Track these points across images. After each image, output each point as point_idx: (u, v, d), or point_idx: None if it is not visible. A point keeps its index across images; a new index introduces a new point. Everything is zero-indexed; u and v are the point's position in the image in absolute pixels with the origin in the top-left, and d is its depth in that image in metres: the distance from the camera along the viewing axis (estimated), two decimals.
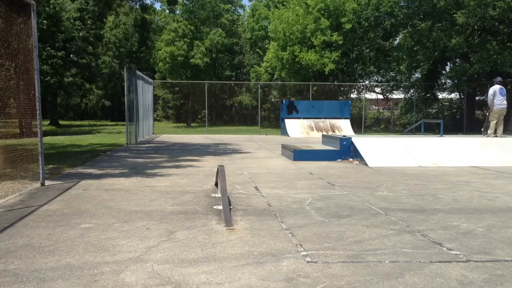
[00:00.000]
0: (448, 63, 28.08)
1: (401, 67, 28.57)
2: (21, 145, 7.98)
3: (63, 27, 34.28)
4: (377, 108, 41.57)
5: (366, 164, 9.93)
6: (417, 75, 30.22)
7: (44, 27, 30.67)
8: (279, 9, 29.59)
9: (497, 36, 22.15)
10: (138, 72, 18.31)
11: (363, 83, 33.62)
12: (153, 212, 5.19)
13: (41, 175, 6.92)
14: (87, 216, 4.98)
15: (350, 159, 10.76)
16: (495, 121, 12.31)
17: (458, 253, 3.76)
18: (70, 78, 36.61)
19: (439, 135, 14.33)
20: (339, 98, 32.35)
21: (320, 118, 24.43)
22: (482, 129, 13.07)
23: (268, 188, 6.84)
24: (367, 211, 5.33)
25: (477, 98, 27.44)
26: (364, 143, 10.71)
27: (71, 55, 37.45)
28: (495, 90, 12.37)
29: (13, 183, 6.60)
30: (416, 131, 23.81)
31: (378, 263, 3.50)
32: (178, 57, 35.33)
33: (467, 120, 26.25)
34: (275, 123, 33.98)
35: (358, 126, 27.81)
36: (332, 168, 9.41)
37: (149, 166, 9.51)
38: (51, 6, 31.69)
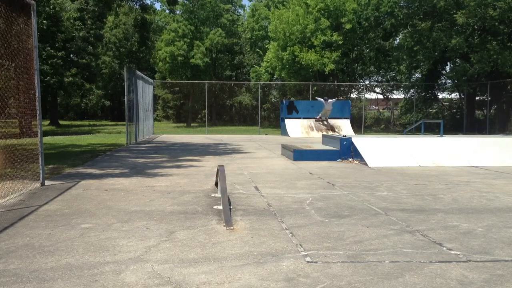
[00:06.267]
0: (448, 63, 28.08)
1: (401, 67, 28.56)
2: (21, 145, 7.98)
3: (63, 27, 34.22)
4: (377, 108, 41.54)
5: (366, 164, 9.93)
6: (417, 75, 30.20)
7: (44, 27, 30.63)
8: (279, 9, 29.59)
9: (497, 36, 22.15)
10: (138, 72, 18.31)
11: (363, 83, 33.61)
12: (153, 212, 5.19)
13: (41, 175, 6.92)
14: (87, 216, 4.98)
15: (350, 159, 10.77)
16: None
17: (458, 253, 3.77)
18: (70, 78, 36.54)
19: (439, 135, 14.33)
20: (339, 98, 32.32)
21: None
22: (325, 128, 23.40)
23: (268, 188, 6.84)
24: (367, 211, 5.33)
25: (477, 98, 27.44)
26: (364, 143, 10.71)
27: (71, 55, 37.37)
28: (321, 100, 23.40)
29: (13, 183, 6.60)
30: (416, 131, 23.81)
31: (378, 263, 3.50)
32: (178, 57, 35.31)
33: (467, 120, 26.25)
34: (275, 123, 33.98)
35: (358, 126, 27.80)
36: (332, 168, 9.42)
37: (149, 166, 9.51)
38: (51, 6, 31.66)
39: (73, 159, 10.93)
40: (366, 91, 34.11)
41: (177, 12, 38.17)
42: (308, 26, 26.83)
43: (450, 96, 31.77)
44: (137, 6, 25.33)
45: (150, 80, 23.28)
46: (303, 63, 26.68)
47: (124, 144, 15.98)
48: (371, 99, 40.46)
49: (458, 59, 25.20)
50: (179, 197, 6.06)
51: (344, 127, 23.94)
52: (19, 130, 8.70)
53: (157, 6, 71.25)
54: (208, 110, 30.12)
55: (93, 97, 52.64)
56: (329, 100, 23.23)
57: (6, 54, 6.80)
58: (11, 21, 6.52)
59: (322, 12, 27.20)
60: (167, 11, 40.81)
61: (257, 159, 11.28)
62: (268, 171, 8.85)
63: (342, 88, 34.17)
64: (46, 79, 31.08)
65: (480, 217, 5.05)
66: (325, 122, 23.63)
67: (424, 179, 7.98)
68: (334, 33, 26.84)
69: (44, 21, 30.66)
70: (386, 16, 27.58)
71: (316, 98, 23.92)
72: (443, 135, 14.31)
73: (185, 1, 37.38)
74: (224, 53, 39.82)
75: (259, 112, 29.39)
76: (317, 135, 21.85)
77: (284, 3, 31.10)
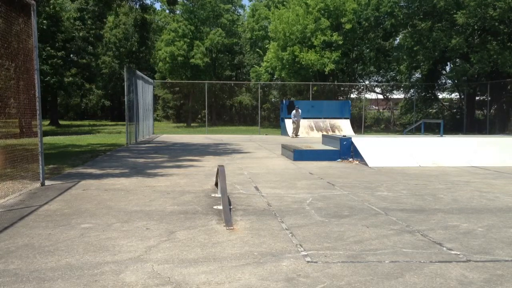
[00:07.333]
0: (448, 63, 28.08)
1: (401, 67, 28.55)
2: (21, 145, 7.98)
3: (63, 27, 34.22)
4: (377, 108, 41.54)
5: (366, 164, 9.93)
6: (417, 75, 30.19)
7: (44, 27, 30.63)
8: (279, 9, 29.58)
9: (497, 36, 22.15)
10: (138, 72, 18.31)
11: (363, 83, 33.61)
12: (153, 212, 5.19)
13: (41, 175, 6.92)
14: (87, 216, 4.98)
15: (350, 159, 10.76)
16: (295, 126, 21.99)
17: (458, 253, 3.77)
18: (70, 78, 36.54)
19: (439, 135, 14.33)
20: (339, 98, 32.34)
21: (320, 118, 24.42)
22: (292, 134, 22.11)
23: (268, 188, 6.84)
24: (367, 211, 5.33)
25: (477, 98, 27.44)
26: (364, 143, 10.71)
27: (71, 55, 37.38)
28: (293, 112, 21.88)
29: (13, 183, 6.60)
30: (416, 131, 23.81)
31: (378, 263, 3.50)
32: (178, 57, 35.31)
33: (467, 120, 26.24)
34: (275, 123, 33.97)
35: (358, 126, 27.80)
36: (332, 168, 9.41)
37: (149, 166, 9.51)
38: (51, 6, 31.65)
39: (73, 159, 10.93)
40: (366, 91, 34.12)
41: (177, 12, 38.15)
42: (308, 26, 26.83)
43: (450, 96, 31.80)
44: (137, 6, 25.29)
45: (150, 80, 23.27)
46: (303, 63, 26.68)
47: (124, 144, 15.98)
48: (371, 99, 40.48)
49: (458, 59, 25.20)
50: (179, 197, 6.06)
51: (344, 127, 23.95)
52: (19, 130, 8.70)
53: (157, 6, 71.16)
54: (208, 110, 30.12)
55: (93, 97, 52.61)
56: (299, 111, 21.94)
57: (6, 54, 6.80)
58: (11, 21, 6.52)
59: (322, 12, 27.20)
60: (167, 11, 40.83)
61: (257, 159, 11.28)
62: (268, 171, 8.84)
63: (342, 88, 34.16)
64: (46, 79, 31.08)
65: (480, 217, 5.04)
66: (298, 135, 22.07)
67: (424, 179, 7.98)
68: (334, 33, 26.84)
69: (44, 21, 30.66)
70: (386, 16, 27.59)
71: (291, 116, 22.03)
72: (443, 135, 14.31)
73: (185, 1, 37.38)
74: (224, 53, 39.81)
75: (259, 112, 29.40)
76: (317, 135, 21.86)
77: (284, 3, 31.08)
